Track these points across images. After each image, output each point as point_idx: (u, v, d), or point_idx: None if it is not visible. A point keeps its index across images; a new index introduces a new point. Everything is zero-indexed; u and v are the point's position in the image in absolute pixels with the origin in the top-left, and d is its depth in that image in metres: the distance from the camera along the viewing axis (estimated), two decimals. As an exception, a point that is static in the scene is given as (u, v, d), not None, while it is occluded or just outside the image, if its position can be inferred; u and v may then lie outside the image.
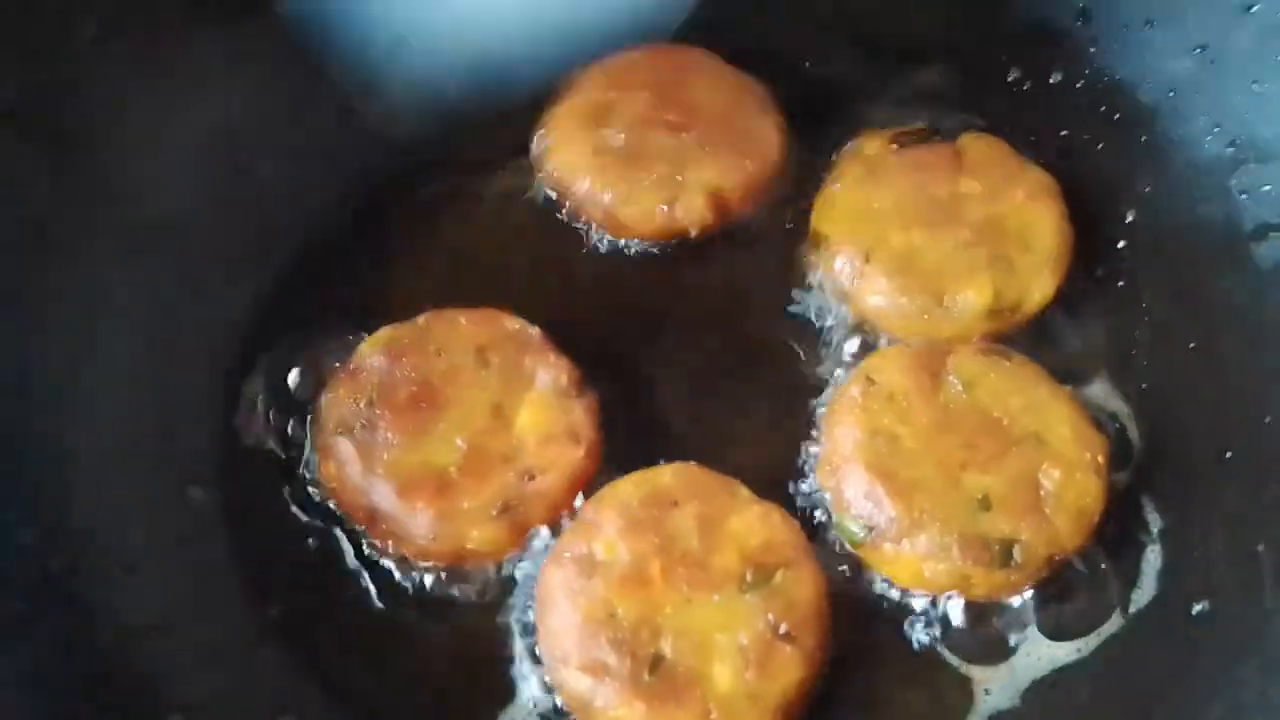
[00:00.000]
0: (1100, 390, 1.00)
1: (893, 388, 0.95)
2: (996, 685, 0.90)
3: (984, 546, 0.89)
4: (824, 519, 0.94)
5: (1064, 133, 1.08)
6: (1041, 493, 0.91)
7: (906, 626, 0.91)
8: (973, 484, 0.91)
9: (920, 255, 1.00)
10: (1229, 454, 0.94)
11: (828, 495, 0.94)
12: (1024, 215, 1.01)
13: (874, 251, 1.00)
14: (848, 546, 0.92)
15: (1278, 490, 0.90)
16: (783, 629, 0.85)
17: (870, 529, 0.91)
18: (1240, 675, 0.84)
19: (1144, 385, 1.00)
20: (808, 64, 1.13)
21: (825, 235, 1.03)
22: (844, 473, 0.93)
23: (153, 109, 0.99)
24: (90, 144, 0.97)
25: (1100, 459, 0.92)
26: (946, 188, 1.02)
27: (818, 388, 1.00)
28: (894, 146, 1.05)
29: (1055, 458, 0.92)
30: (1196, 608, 0.90)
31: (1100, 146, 1.07)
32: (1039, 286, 0.99)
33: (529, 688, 0.89)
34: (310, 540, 0.94)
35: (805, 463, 0.96)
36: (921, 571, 0.90)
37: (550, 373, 0.95)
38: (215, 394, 0.99)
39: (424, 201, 1.08)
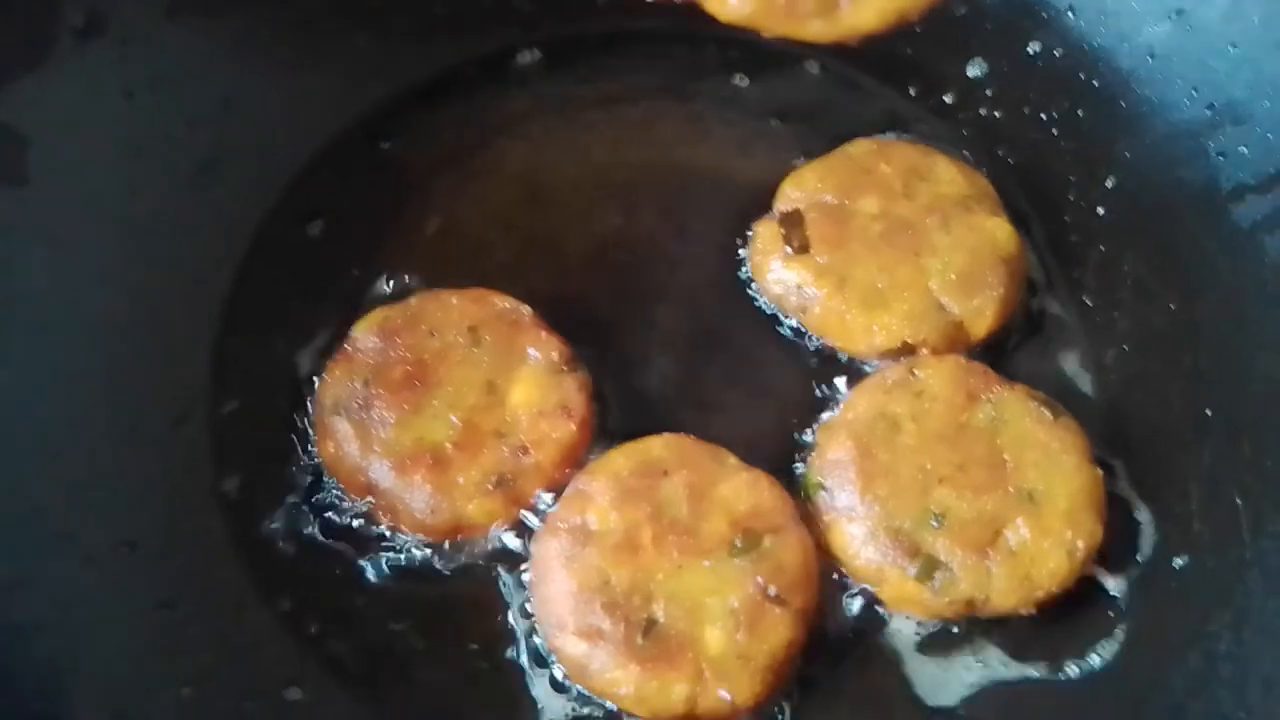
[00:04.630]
0: (1081, 352, 1.02)
1: (927, 388, 0.94)
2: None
3: (910, 552, 0.89)
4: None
5: (1043, 100, 1.09)
6: (1000, 542, 0.89)
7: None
8: (939, 499, 0.90)
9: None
10: (1208, 412, 0.95)
11: (815, 448, 0.95)
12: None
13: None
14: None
15: (1255, 446, 0.92)
16: (772, 591, 0.87)
17: (826, 490, 0.92)
18: (1216, 626, 0.87)
19: (1125, 346, 1.02)
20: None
21: None
22: (835, 433, 0.95)
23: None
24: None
25: (1082, 545, 0.89)
26: None
27: (805, 360, 1.02)
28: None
29: (1034, 520, 0.89)
30: (1178, 562, 0.92)
31: (1080, 113, 1.08)
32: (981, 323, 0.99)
33: (527, 656, 0.91)
34: (312, 519, 0.96)
35: (794, 433, 0.98)
36: (847, 549, 0.91)
37: (541, 350, 0.97)
38: (207, 378, 1.00)
39: (413, 180, 1.10)
